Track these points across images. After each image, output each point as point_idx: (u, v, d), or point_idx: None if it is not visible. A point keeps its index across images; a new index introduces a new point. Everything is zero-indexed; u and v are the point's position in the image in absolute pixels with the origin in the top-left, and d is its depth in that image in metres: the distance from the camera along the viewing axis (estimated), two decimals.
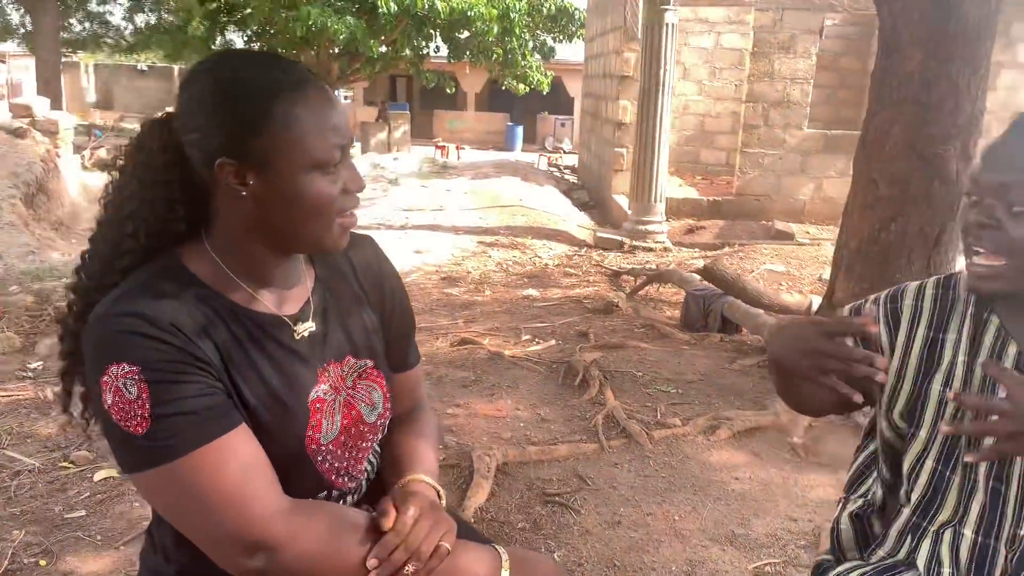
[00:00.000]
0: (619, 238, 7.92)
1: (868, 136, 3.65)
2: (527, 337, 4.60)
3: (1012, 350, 1.15)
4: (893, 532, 1.29)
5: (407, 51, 15.08)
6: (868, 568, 1.29)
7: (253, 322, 1.07)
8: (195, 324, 1.00)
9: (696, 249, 7.84)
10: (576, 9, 16.21)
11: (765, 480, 3.02)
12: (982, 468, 1.15)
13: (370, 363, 1.20)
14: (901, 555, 1.27)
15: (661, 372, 4.06)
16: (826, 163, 9.88)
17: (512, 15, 14.44)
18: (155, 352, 0.95)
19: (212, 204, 1.06)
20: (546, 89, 17.49)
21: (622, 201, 9.48)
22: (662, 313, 5.35)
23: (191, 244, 1.08)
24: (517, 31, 14.90)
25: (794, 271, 6.69)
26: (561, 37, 18.35)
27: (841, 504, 1.43)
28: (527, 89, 17.29)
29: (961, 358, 1.19)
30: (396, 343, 1.29)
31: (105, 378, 0.94)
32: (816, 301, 4.84)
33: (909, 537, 1.25)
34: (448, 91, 17.64)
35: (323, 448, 1.11)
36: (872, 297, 1.33)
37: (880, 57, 3.60)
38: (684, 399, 3.75)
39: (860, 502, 1.39)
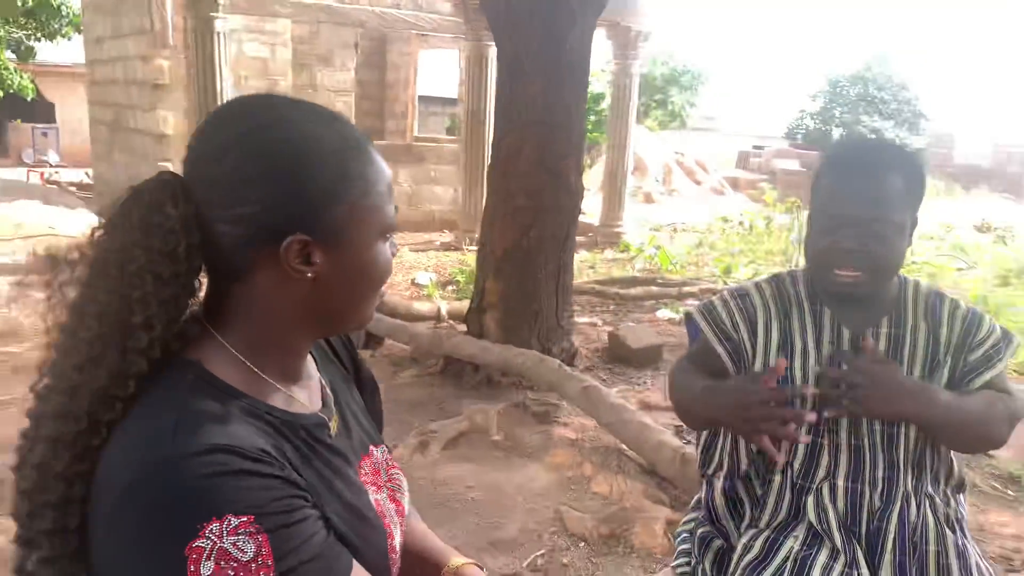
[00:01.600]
0: None
1: (501, 154, 4.05)
2: None
3: (846, 333, 1.49)
4: (771, 499, 1.54)
5: None
6: (767, 531, 1.53)
7: (303, 428, 0.87)
8: (271, 445, 0.79)
9: None
10: (63, 4, 14.09)
11: (492, 482, 3.19)
12: (843, 432, 1.47)
13: (387, 448, 1.07)
14: (783, 515, 1.54)
15: None
16: None
17: None
18: (264, 492, 0.74)
19: (235, 291, 0.84)
20: (31, 95, 14.94)
21: None
22: None
23: (203, 343, 0.84)
24: None
25: (389, 278, 6.99)
26: (40, 35, 15.82)
27: (706, 482, 1.65)
28: (2, 95, 14.54)
29: (811, 342, 1.50)
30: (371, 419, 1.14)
31: (199, 543, 0.69)
32: (444, 307, 5.19)
33: (789, 497, 1.52)
34: None
35: (397, 559, 0.96)
36: (718, 298, 1.57)
37: (504, 82, 4.01)
38: None
39: (724, 477, 1.62)
